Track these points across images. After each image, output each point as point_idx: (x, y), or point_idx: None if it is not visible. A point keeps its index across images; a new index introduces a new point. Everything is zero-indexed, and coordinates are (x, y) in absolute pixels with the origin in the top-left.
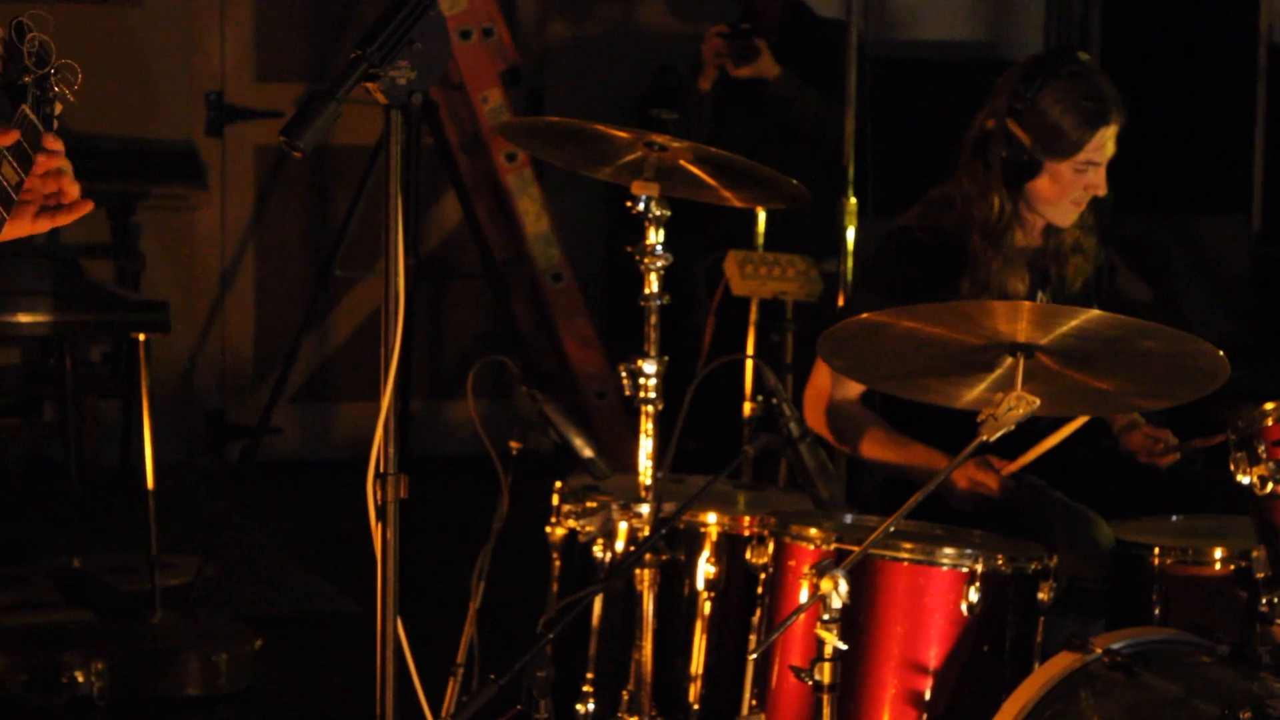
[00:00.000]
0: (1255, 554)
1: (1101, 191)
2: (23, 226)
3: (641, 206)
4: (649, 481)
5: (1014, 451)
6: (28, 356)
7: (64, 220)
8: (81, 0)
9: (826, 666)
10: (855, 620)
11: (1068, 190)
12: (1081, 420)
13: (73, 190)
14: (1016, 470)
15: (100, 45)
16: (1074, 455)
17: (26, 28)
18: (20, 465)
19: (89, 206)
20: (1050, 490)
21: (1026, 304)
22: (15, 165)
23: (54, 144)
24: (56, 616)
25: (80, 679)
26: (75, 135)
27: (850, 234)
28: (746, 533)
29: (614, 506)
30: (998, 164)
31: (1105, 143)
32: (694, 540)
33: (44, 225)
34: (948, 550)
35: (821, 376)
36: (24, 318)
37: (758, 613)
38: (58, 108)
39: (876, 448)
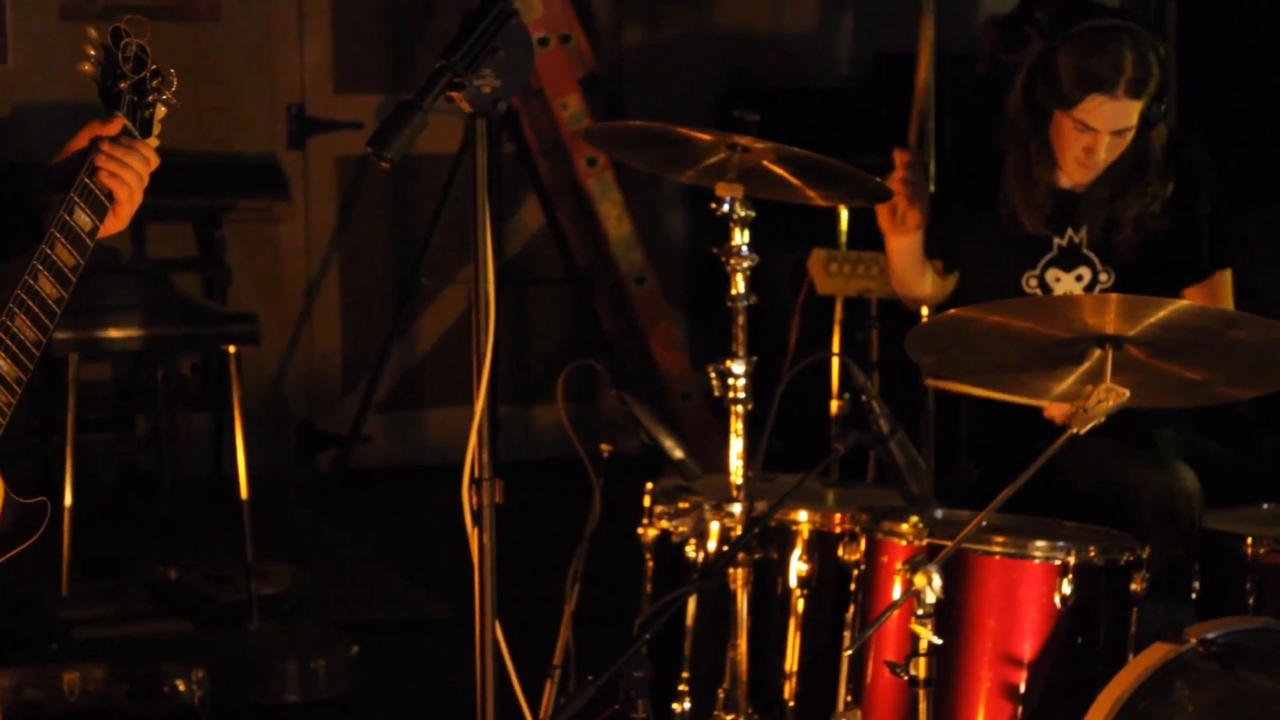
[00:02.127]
0: None
1: (1101, 159)
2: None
3: (726, 208)
4: (740, 481)
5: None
6: (119, 371)
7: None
8: (161, 17)
9: (922, 661)
10: (949, 615)
11: (1068, 145)
12: None
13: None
14: None
15: (180, 61)
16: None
17: (123, 33)
18: (114, 479)
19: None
20: (1129, 450)
21: (1114, 296)
22: (88, 213)
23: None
24: (155, 627)
25: (181, 688)
26: (160, 150)
27: None
28: (838, 530)
29: (706, 506)
30: (1026, 99)
31: (1103, 111)
32: (786, 538)
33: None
34: (1040, 543)
35: None
36: (115, 333)
37: (851, 609)
38: (160, 111)
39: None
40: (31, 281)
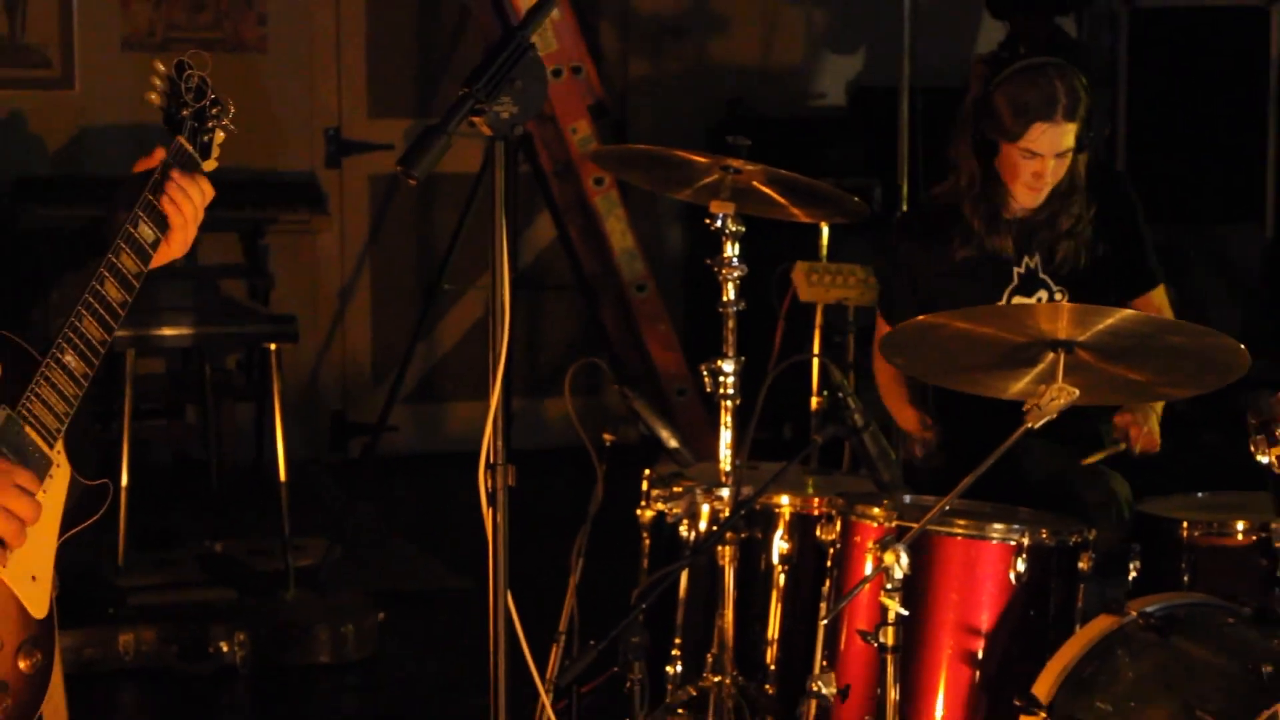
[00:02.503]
0: (1274, 525)
1: (1049, 181)
2: (174, 248)
3: (719, 223)
4: (729, 468)
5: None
6: (171, 366)
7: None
8: (213, 48)
9: (890, 630)
10: (915, 589)
11: (1018, 173)
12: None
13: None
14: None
15: (230, 88)
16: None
17: (186, 65)
18: (166, 462)
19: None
20: (1074, 459)
21: (1065, 305)
22: (151, 226)
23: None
24: (202, 595)
25: (225, 649)
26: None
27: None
28: (816, 513)
29: (697, 491)
30: (973, 139)
31: (1046, 137)
32: (769, 520)
33: (179, 249)
34: (997, 526)
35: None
36: (168, 331)
37: (827, 583)
38: (219, 136)
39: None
40: (99, 286)
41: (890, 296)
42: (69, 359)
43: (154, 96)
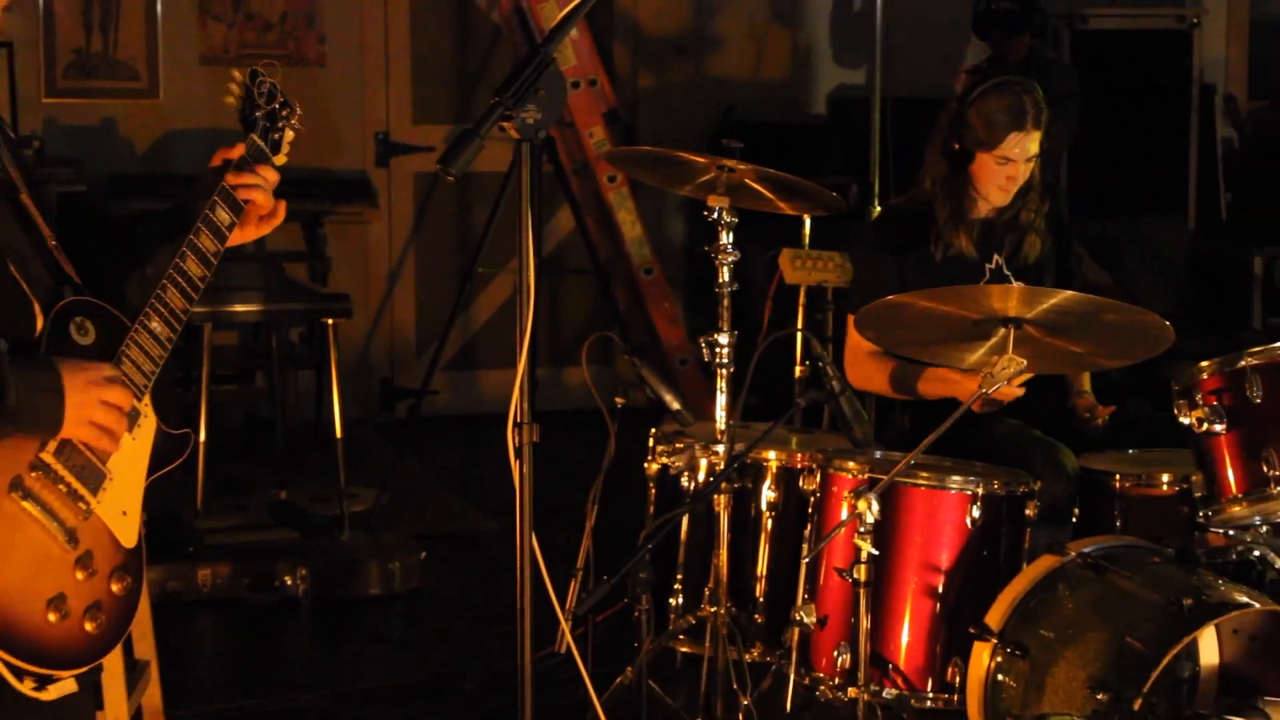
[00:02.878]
0: (1194, 478)
1: (1020, 182)
2: (247, 232)
3: (715, 215)
4: (724, 427)
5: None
6: (243, 338)
7: (266, 229)
8: (279, 62)
9: (863, 568)
10: (884, 532)
11: (993, 177)
12: None
13: (266, 203)
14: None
15: (294, 97)
16: (1044, 403)
17: (259, 74)
18: (238, 422)
19: (279, 217)
20: (1029, 429)
21: (1016, 286)
22: (227, 210)
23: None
24: (269, 535)
25: (289, 583)
26: (282, 166)
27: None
28: (799, 466)
29: (697, 447)
30: (948, 149)
31: (1020, 144)
32: (758, 472)
33: (251, 234)
34: (955, 478)
35: (855, 340)
36: (239, 308)
37: (808, 527)
38: (289, 135)
39: (905, 380)
40: (181, 263)
41: (857, 296)
42: (155, 325)
43: (230, 100)
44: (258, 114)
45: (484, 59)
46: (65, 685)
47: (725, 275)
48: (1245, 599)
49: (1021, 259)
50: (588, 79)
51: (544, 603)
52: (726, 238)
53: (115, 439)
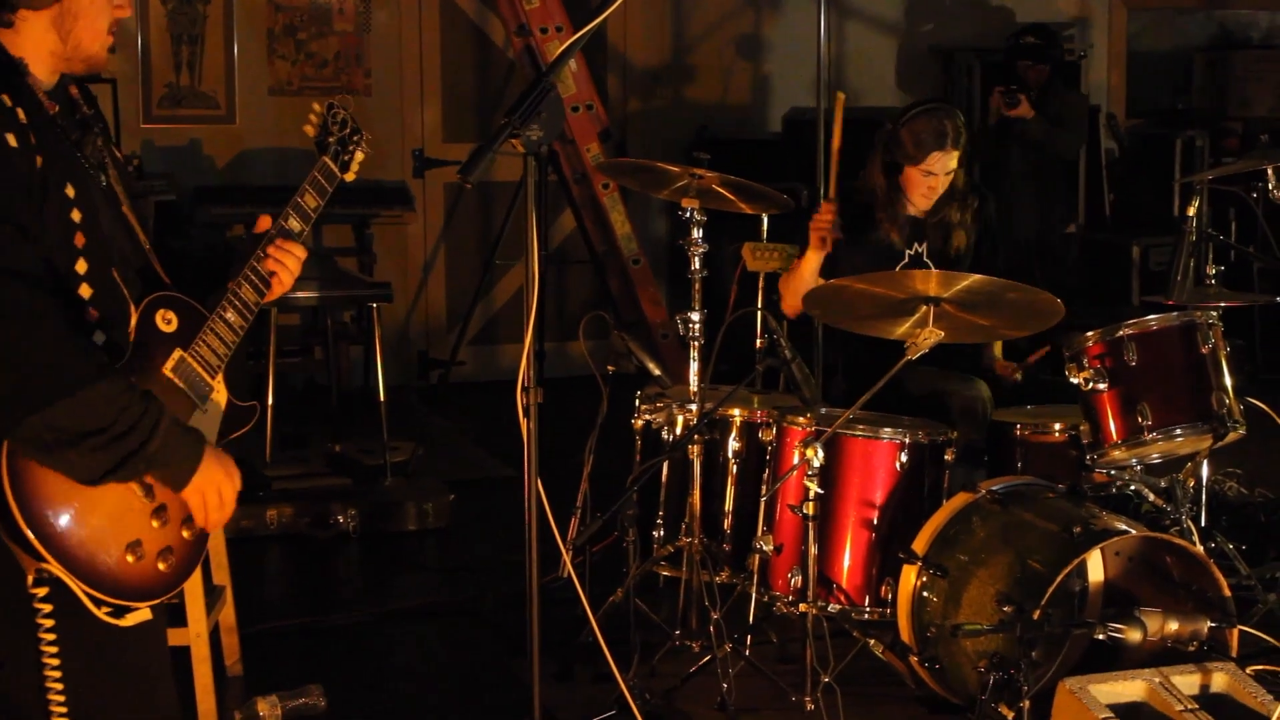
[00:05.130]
0: (1082, 427)
1: (940, 192)
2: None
3: (688, 215)
4: (696, 389)
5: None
6: (304, 319)
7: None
8: (332, 93)
9: (811, 504)
10: (828, 475)
11: (917, 186)
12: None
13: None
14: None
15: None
16: (969, 370)
17: (335, 104)
18: (299, 387)
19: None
20: (947, 371)
21: (935, 271)
22: (316, 195)
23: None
24: (326, 481)
25: (342, 521)
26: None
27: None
28: (758, 420)
29: (674, 406)
30: (882, 161)
31: (940, 161)
32: (725, 426)
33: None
34: (887, 429)
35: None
36: (301, 294)
37: (766, 471)
38: (359, 155)
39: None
40: (255, 263)
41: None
42: (229, 315)
43: (309, 128)
44: (331, 139)
45: (502, 88)
46: (140, 614)
47: (697, 264)
48: (1125, 526)
49: (950, 250)
50: (585, 103)
51: (548, 536)
52: (698, 233)
53: (215, 521)
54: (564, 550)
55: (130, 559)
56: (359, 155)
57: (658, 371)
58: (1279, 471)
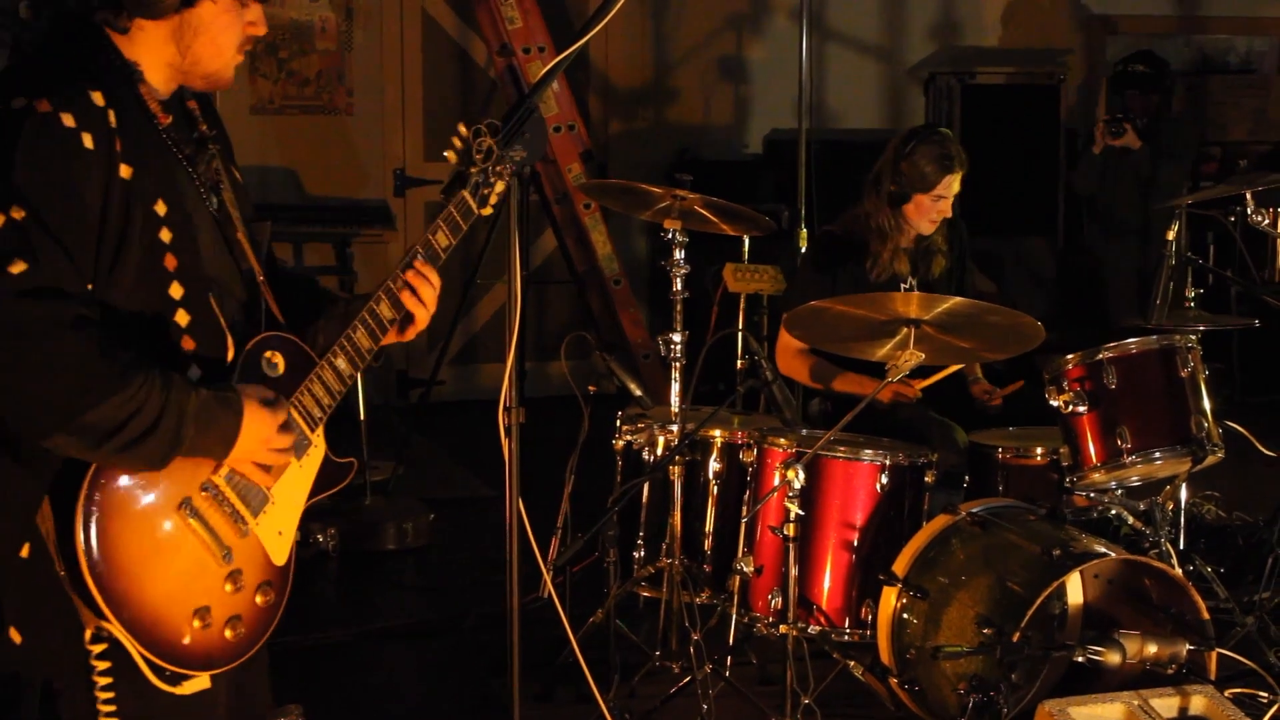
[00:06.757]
0: (1062, 450)
1: (948, 214)
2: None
3: (670, 236)
4: (677, 410)
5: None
6: None
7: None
8: (313, 112)
9: (792, 525)
10: (809, 496)
11: (927, 213)
12: (954, 367)
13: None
14: (925, 386)
15: (328, 141)
16: (945, 391)
17: (482, 131)
18: None
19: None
20: (927, 410)
21: (916, 294)
22: (449, 234)
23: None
24: None
25: (321, 539)
26: (312, 197)
27: (803, 249)
28: (739, 441)
29: (655, 426)
30: (886, 193)
31: (952, 183)
32: (706, 447)
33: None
34: (868, 451)
35: (785, 339)
36: None
37: (747, 492)
38: (498, 187)
39: (823, 375)
40: (375, 306)
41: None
42: (340, 362)
43: (451, 155)
44: (473, 170)
45: (483, 107)
46: (198, 682)
47: (678, 285)
48: (1104, 549)
49: (930, 274)
50: (567, 124)
51: (529, 556)
52: (679, 254)
53: (273, 475)
54: (544, 570)
55: (196, 624)
56: (499, 186)
57: (639, 392)
58: (1257, 495)
